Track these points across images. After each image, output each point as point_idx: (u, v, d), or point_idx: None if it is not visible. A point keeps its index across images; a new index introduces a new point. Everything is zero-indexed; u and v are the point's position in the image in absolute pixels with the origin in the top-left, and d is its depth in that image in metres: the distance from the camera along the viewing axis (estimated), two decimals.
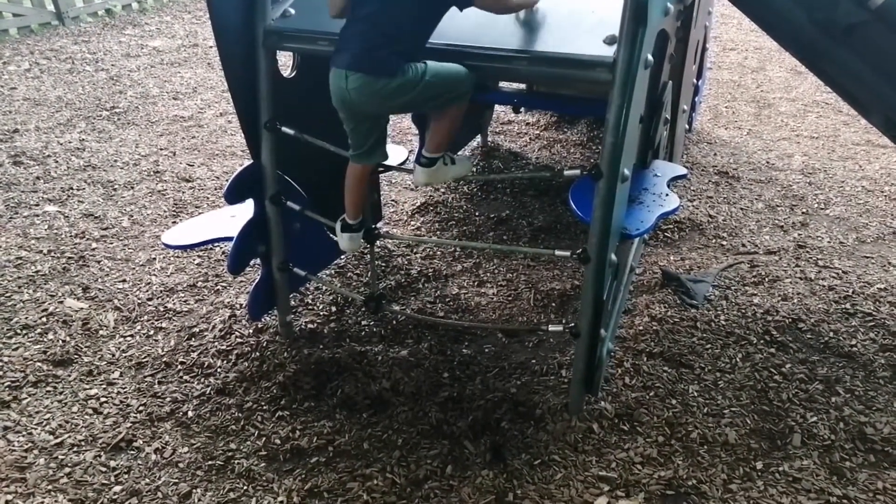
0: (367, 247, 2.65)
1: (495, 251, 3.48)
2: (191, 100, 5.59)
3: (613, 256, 2.20)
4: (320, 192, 2.72)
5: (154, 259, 3.41)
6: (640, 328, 2.87)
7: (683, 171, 2.78)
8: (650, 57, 2.03)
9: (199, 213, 3.85)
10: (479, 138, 4.79)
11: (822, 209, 3.95)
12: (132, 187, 4.13)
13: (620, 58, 1.96)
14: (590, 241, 2.12)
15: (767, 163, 4.56)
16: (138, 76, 6.08)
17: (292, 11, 2.40)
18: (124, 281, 3.23)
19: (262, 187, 2.56)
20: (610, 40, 2.04)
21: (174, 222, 3.74)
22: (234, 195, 2.50)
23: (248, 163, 2.58)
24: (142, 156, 4.56)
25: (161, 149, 4.67)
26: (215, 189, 4.14)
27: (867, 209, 3.94)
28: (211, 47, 7.03)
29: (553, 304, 3.08)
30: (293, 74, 2.68)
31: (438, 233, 3.72)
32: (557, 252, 2.24)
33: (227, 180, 4.23)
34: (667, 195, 2.52)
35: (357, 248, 2.63)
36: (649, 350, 2.74)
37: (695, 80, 4.36)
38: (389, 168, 2.50)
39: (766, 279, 3.24)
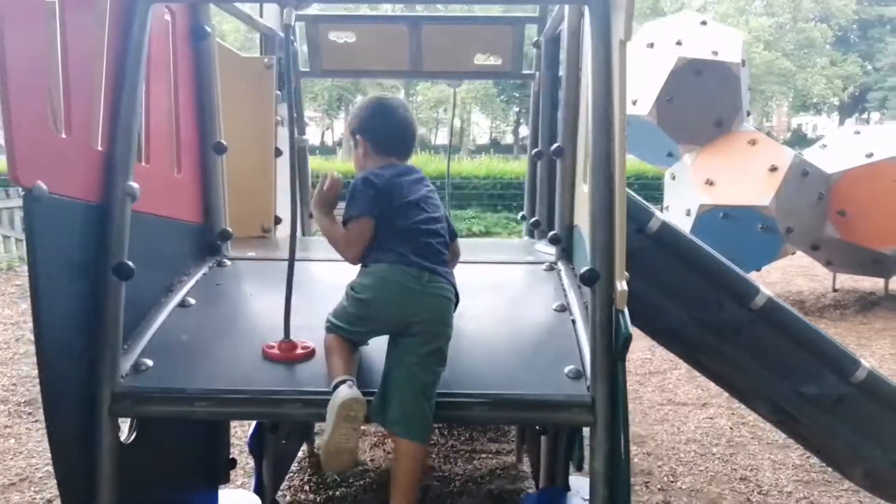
0: None
1: None
2: None
3: None
4: None
5: None
6: None
7: None
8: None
9: None
10: (304, 447, 4.11)
11: (673, 482, 3.92)
12: None
13: (599, 394, 1.69)
14: None
15: None
16: None
17: (149, 363, 1.77)
18: None
19: None
20: (574, 374, 1.77)
21: None
22: None
23: None
24: None
25: None
26: None
27: (711, 476, 4.00)
28: None
29: None
30: (131, 439, 1.95)
31: None
32: None
33: None
34: None
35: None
36: None
37: None
38: None
39: None
